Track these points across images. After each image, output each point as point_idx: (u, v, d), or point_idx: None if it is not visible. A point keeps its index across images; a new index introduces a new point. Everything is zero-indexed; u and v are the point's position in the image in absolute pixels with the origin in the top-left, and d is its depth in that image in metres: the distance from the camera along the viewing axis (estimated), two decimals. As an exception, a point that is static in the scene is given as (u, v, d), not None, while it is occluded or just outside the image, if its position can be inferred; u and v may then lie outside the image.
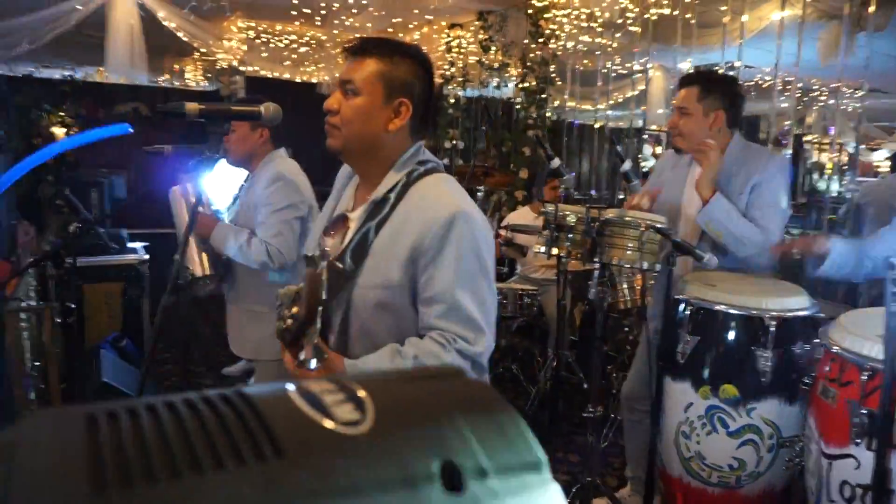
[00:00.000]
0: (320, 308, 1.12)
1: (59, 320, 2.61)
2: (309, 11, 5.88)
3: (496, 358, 4.76)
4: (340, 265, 1.32)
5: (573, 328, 4.43)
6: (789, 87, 4.97)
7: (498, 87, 6.32)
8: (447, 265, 1.28)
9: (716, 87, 2.27)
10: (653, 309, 2.41)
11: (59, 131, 7.50)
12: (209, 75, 9.08)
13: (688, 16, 4.34)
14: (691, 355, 2.02)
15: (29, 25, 5.01)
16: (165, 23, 5.53)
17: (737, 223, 2.13)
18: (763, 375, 1.89)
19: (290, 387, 0.32)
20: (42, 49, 5.55)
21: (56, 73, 7.93)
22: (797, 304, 1.97)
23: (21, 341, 2.66)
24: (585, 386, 3.99)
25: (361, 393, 0.31)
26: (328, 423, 0.29)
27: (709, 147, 2.17)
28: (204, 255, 2.36)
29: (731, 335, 1.96)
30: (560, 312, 3.62)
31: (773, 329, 1.87)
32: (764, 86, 6.72)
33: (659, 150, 10.45)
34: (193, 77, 9.27)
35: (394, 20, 5.84)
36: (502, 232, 4.05)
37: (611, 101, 5.87)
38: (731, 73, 4.62)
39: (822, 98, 7.90)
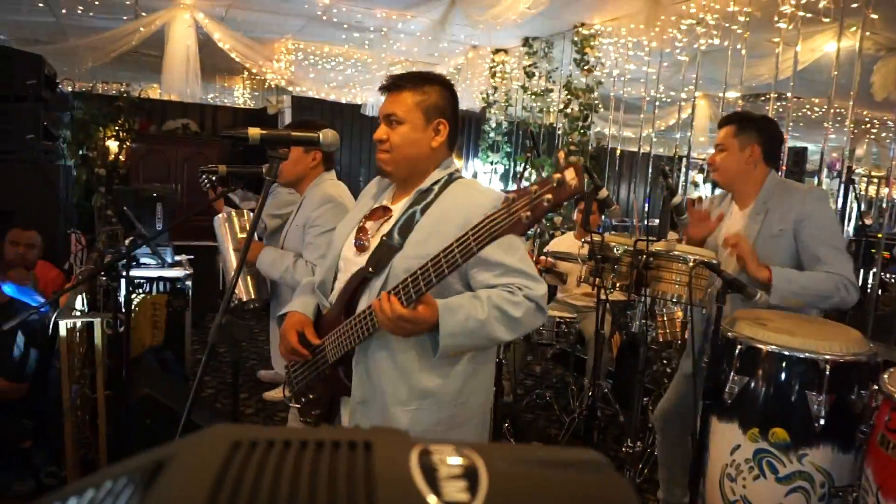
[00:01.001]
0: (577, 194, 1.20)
1: (109, 331, 2.69)
2: (357, 36, 6.01)
3: (529, 384, 4.71)
4: (388, 239, 1.52)
5: (610, 358, 4.35)
6: (839, 118, 4.86)
7: (541, 112, 6.33)
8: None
9: (751, 123, 2.30)
10: (699, 344, 2.36)
11: (112, 145, 7.79)
12: (256, 94, 9.35)
13: (738, 46, 4.29)
14: (739, 395, 1.96)
15: (93, 45, 5.25)
16: (220, 44, 5.72)
17: (808, 282, 2.09)
18: (816, 421, 1.82)
19: (417, 448, 0.32)
20: (102, 66, 5.80)
21: (112, 90, 8.27)
22: (853, 347, 1.90)
23: (72, 348, 2.75)
24: (622, 418, 3.91)
25: (482, 470, 0.30)
26: (431, 500, 0.29)
27: (736, 239, 2.14)
28: (249, 279, 2.40)
29: (783, 377, 1.90)
30: (598, 342, 3.57)
31: (827, 373, 1.80)
32: (814, 117, 6.58)
33: (699, 177, 10.30)
34: (241, 95, 9.56)
35: (440, 45, 5.92)
36: (542, 258, 4.02)
37: (654, 129, 5.81)
38: (781, 103, 4.54)
39: (874, 130, 7.68)
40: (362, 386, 1.56)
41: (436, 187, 1.57)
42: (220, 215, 2.41)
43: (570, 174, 1.12)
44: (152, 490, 0.30)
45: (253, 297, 2.36)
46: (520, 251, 1.55)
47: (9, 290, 3.15)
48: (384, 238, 1.54)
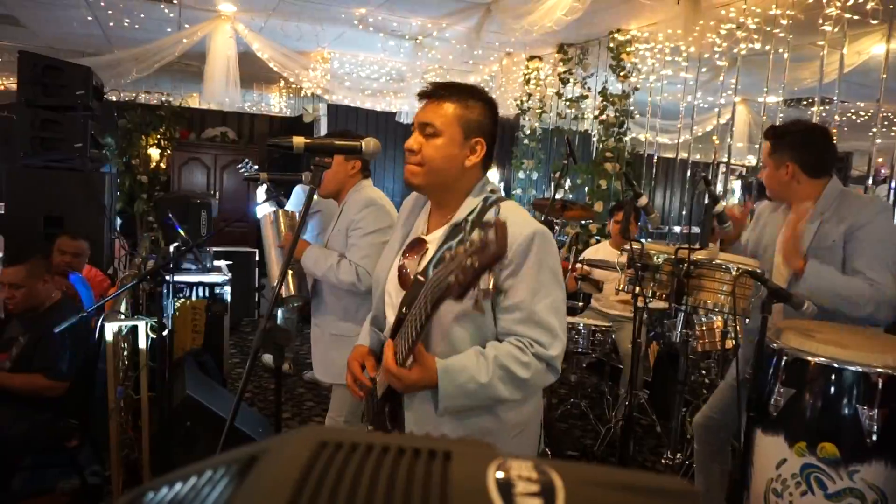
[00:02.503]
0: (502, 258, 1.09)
1: (152, 335, 2.75)
2: (393, 44, 6.07)
3: (564, 393, 4.66)
4: (423, 278, 1.44)
5: (647, 368, 4.28)
6: (886, 122, 4.72)
7: (575, 118, 6.29)
8: (527, 277, 1.41)
9: (783, 140, 2.23)
10: (742, 354, 2.31)
11: (154, 152, 8.01)
12: (292, 102, 9.51)
13: (780, 50, 4.19)
14: (785, 408, 1.90)
15: (138, 56, 5.41)
16: (259, 54, 5.84)
17: (837, 283, 2.02)
18: (868, 436, 1.75)
19: (495, 462, 0.31)
20: (146, 76, 5.98)
21: (154, 99, 8.51)
22: (907, 360, 1.83)
23: (117, 350, 2.82)
24: (659, 429, 3.84)
25: (559, 489, 0.30)
26: None
27: (795, 221, 2.10)
28: (290, 276, 2.45)
29: (833, 390, 1.83)
30: (635, 351, 3.52)
31: (880, 386, 1.74)
32: (859, 121, 6.39)
33: (737, 184, 10.09)
34: (277, 104, 9.73)
35: (474, 52, 5.94)
36: (578, 266, 3.99)
37: (692, 135, 5.72)
38: (824, 107, 4.43)
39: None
40: (415, 425, 1.49)
41: (470, 218, 1.46)
42: (267, 214, 2.48)
43: (491, 235, 1.03)
44: (244, 481, 0.31)
45: (293, 293, 2.41)
46: (551, 296, 1.43)
47: (75, 279, 3.27)
48: (418, 276, 1.46)
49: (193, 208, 3.64)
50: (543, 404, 3.77)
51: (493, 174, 7.72)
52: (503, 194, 1.57)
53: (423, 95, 1.51)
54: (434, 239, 1.52)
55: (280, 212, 2.45)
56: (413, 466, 0.31)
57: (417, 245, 1.55)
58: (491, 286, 1.14)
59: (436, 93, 1.48)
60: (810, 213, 2.14)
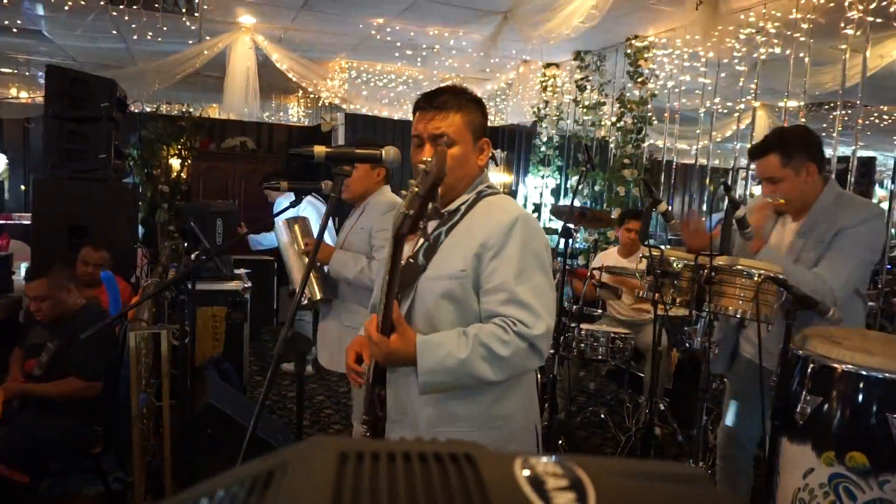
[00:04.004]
0: (441, 181, 1.18)
1: (175, 343, 2.79)
2: (410, 53, 6.11)
3: (582, 401, 4.63)
4: (413, 261, 1.51)
5: (668, 375, 4.24)
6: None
7: (593, 125, 6.27)
8: (509, 260, 1.44)
9: (794, 144, 2.17)
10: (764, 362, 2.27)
11: (175, 162, 8.12)
12: (310, 112, 9.60)
13: (801, 54, 4.15)
14: (812, 417, 1.87)
15: (160, 68, 5.51)
16: (278, 64, 5.91)
17: (793, 271, 2.02)
18: (898, 445, 1.72)
19: (519, 460, 0.32)
20: (167, 87, 6.09)
21: (175, 110, 8.65)
22: (938, 367, 1.79)
23: (140, 358, 2.86)
24: (680, 437, 3.79)
25: (588, 484, 0.30)
26: None
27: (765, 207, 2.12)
28: (313, 279, 2.49)
29: (861, 398, 1.80)
30: (655, 359, 3.48)
31: (910, 394, 1.70)
32: (883, 125, 6.30)
33: (758, 190, 9.99)
34: (296, 113, 9.83)
35: (492, 61, 5.96)
36: (596, 272, 3.96)
37: (711, 140, 5.67)
38: (846, 111, 4.37)
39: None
40: (395, 407, 1.55)
41: (462, 207, 1.54)
42: (282, 221, 2.52)
43: (430, 163, 1.14)
44: (268, 498, 0.31)
45: (318, 297, 2.47)
46: (534, 279, 1.45)
47: (105, 277, 3.34)
48: (410, 260, 1.52)
49: (210, 217, 3.68)
50: (545, 414, 3.76)
51: (504, 179, 7.72)
52: (500, 192, 1.63)
53: (422, 107, 1.53)
54: (428, 225, 1.56)
55: (292, 219, 2.51)
56: (444, 472, 0.31)
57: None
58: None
59: (437, 103, 1.51)
60: (806, 218, 2.16)
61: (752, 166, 7.09)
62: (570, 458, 0.32)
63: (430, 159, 1.16)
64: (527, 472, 0.31)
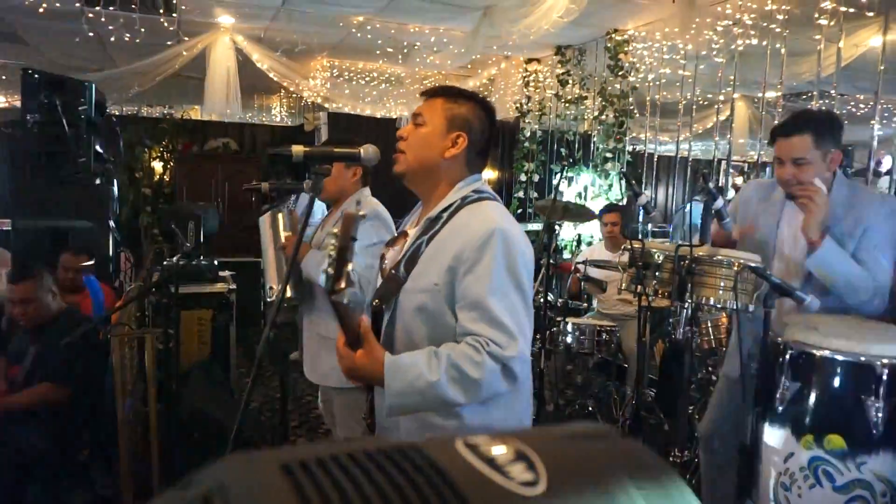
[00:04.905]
0: (352, 243, 1.21)
1: (160, 346, 2.77)
2: (391, 51, 6.10)
3: (571, 395, 4.66)
4: (395, 273, 1.48)
5: (653, 366, 4.28)
6: (886, 114, 4.71)
7: (575, 119, 6.30)
8: (482, 275, 1.38)
9: (827, 128, 2.11)
10: (745, 350, 2.30)
11: (157, 165, 8.05)
12: (293, 111, 9.56)
13: (777, 45, 4.20)
14: (791, 402, 1.90)
15: (139, 70, 5.45)
16: (259, 64, 5.88)
17: (849, 267, 2.02)
18: (874, 427, 1.75)
19: (459, 442, 0.32)
20: (148, 89, 6.03)
21: (156, 112, 8.57)
22: (911, 350, 1.83)
23: (125, 363, 2.84)
24: (666, 427, 3.83)
25: (529, 452, 0.31)
26: (509, 485, 0.29)
27: (815, 191, 2.04)
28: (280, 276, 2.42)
29: (838, 382, 1.84)
30: (641, 350, 3.52)
31: (885, 377, 1.74)
32: (859, 114, 6.38)
33: (740, 180, 10.07)
34: (278, 113, 9.78)
35: (473, 57, 5.96)
36: (580, 266, 3.99)
37: (692, 133, 5.72)
38: (824, 101, 4.43)
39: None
40: (381, 413, 1.52)
41: (444, 215, 1.48)
42: (266, 214, 2.45)
43: (342, 226, 1.21)
44: None
45: (289, 294, 2.36)
46: (509, 297, 1.39)
47: (89, 280, 3.31)
48: (392, 271, 1.49)
49: (184, 220, 3.65)
50: (553, 407, 3.78)
51: (488, 175, 7.73)
52: (494, 196, 1.57)
53: (423, 94, 1.59)
54: (413, 233, 1.56)
55: (280, 213, 2.43)
56: (399, 466, 0.30)
57: (400, 238, 1.62)
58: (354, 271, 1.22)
59: (432, 91, 1.57)
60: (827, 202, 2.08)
61: (734, 158, 7.06)
62: (500, 433, 0.33)
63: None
64: (475, 453, 0.31)
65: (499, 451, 0.32)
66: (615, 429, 0.35)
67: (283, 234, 2.46)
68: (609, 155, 5.62)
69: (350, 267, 1.20)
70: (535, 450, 0.32)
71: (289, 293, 2.40)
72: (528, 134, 6.97)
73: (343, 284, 1.19)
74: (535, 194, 6.89)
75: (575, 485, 0.31)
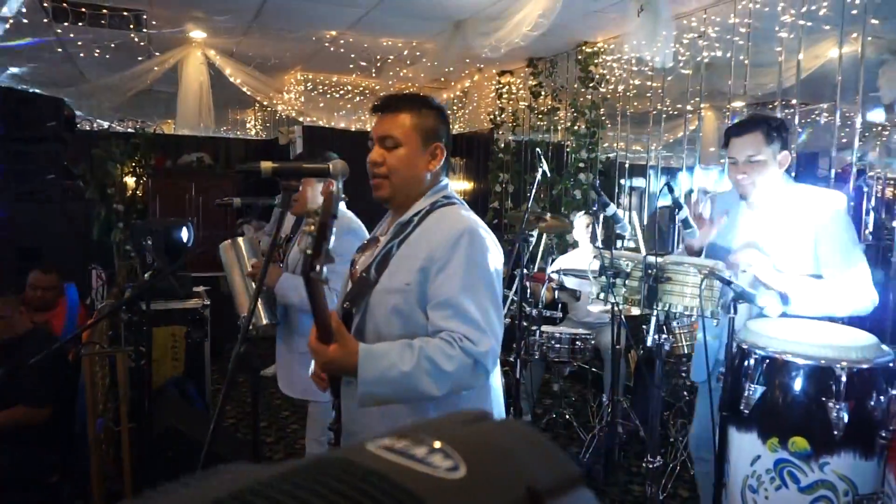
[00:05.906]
0: (332, 221, 1.22)
1: (132, 364, 2.74)
2: (365, 64, 6.13)
3: (548, 403, 4.69)
4: (366, 275, 1.50)
5: (628, 373, 4.33)
6: (848, 122, 4.86)
7: (548, 130, 6.38)
8: (454, 273, 1.42)
9: (775, 129, 2.19)
10: (713, 355, 2.35)
11: (130, 181, 7.94)
12: (268, 125, 9.52)
13: (741, 57, 4.32)
14: (757, 406, 1.95)
15: (110, 86, 5.40)
16: (232, 78, 5.86)
17: (824, 291, 2.08)
18: (836, 428, 1.80)
19: (371, 446, 0.32)
20: (119, 104, 5.97)
21: (128, 127, 8.46)
22: (870, 352, 1.89)
23: (96, 382, 2.80)
24: (642, 433, 3.88)
25: (436, 442, 0.32)
26: (440, 474, 0.30)
27: (748, 261, 2.13)
28: (260, 304, 2.41)
29: (799, 385, 1.89)
30: (615, 358, 3.56)
31: (844, 379, 1.80)
32: (823, 122, 6.57)
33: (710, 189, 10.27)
34: (253, 127, 9.74)
35: (446, 70, 6.02)
36: (554, 276, 4.03)
37: (662, 142, 5.83)
38: (788, 111, 4.55)
39: (886, 133, 7.65)
40: (347, 418, 1.54)
41: (415, 219, 1.52)
42: (225, 242, 2.45)
43: (321, 206, 1.22)
44: None
45: (263, 321, 2.37)
46: (480, 294, 1.43)
47: (70, 290, 3.26)
48: (363, 273, 1.52)
49: (165, 235, 3.62)
50: (530, 417, 3.79)
51: (463, 186, 7.77)
52: (462, 202, 1.60)
53: (376, 109, 1.56)
54: (384, 238, 1.58)
55: (239, 239, 2.43)
56: (325, 477, 0.30)
57: (371, 243, 1.64)
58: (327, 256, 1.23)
59: (389, 105, 1.54)
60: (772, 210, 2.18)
61: (703, 166, 7.17)
62: (398, 431, 0.34)
63: (329, 192, 1.22)
64: (394, 452, 0.32)
65: (414, 446, 0.32)
66: (488, 413, 0.38)
67: (248, 262, 2.45)
68: (582, 165, 5.70)
69: (330, 244, 1.22)
70: (440, 438, 0.33)
71: (265, 321, 2.39)
72: (502, 145, 7.03)
73: (322, 261, 1.21)
74: (511, 204, 6.95)
75: (486, 461, 0.32)
